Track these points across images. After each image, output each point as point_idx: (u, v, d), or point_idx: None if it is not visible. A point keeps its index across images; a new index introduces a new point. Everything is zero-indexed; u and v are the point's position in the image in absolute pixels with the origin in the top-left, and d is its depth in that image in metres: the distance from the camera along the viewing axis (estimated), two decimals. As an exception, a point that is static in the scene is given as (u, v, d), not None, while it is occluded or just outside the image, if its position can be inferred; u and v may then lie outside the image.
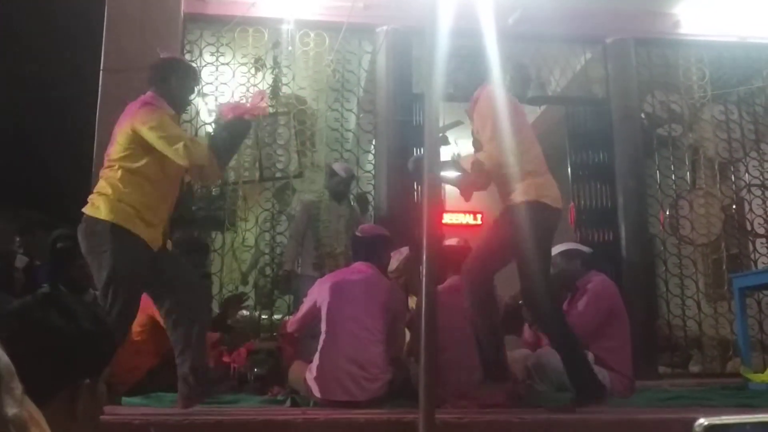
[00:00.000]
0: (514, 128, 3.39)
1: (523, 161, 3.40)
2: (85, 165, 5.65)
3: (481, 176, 3.53)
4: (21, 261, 5.29)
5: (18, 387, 0.88)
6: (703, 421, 0.74)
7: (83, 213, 3.26)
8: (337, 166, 5.61)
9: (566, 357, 3.37)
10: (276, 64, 6.34)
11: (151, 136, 3.20)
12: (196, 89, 3.70)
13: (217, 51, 6.24)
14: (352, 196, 5.71)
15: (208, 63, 6.23)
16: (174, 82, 3.44)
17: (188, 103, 3.72)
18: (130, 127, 3.25)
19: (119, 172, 3.23)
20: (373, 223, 6.10)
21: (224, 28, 6.07)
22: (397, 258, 4.38)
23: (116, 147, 3.29)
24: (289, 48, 6.24)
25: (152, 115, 3.26)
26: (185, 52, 6.18)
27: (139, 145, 3.23)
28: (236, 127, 3.44)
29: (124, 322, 3.18)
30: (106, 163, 3.34)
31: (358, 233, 4.00)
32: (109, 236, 3.14)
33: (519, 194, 3.38)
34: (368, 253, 3.95)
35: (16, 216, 9.06)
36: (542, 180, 3.43)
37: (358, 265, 3.86)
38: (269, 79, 6.33)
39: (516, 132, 3.40)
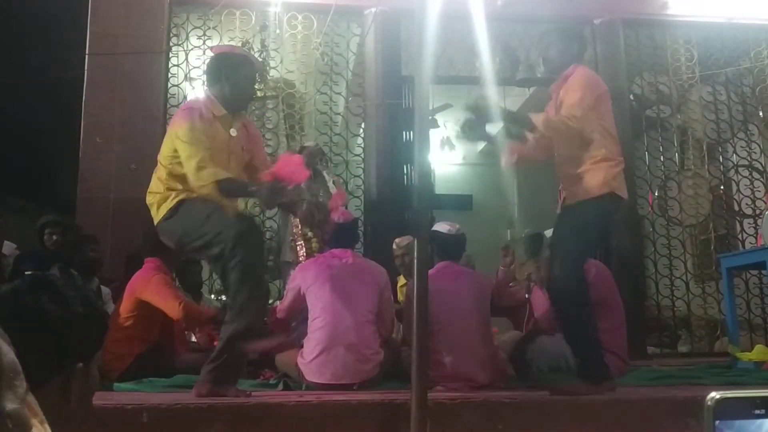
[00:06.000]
0: (600, 110, 3.35)
1: (600, 145, 3.35)
2: (72, 150, 5.61)
3: (543, 141, 3.46)
4: (8, 248, 5.25)
5: (22, 386, 0.88)
6: (714, 394, 0.73)
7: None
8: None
9: (582, 341, 3.37)
10: (263, 47, 6.29)
11: (179, 148, 3.16)
12: (253, 79, 3.49)
13: (204, 34, 6.18)
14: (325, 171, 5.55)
15: (195, 47, 6.17)
16: (224, 80, 3.30)
17: (248, 96, 3.50)
18: (169, 133, 3.27)
19: (165, 174, 3.25)
20: (362, 205, 6.13)
21: (211, 11, 6.01)
22: (408, 236, 4.42)
23: (162, 151, 3.31)
24: (277, 31, 6.20)
25: (184, 122, 3.19)
26: (171, 35, 6.13)
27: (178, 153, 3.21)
28: (266, 189, 3.13)
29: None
30: (158, 163, 3.34)
31: (337, 220, 3.98)
32: (182, 214, 3.18)
33: (597, 186, 3.32)
34: (349, 238, 4.00)
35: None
36: (618, 170, 3.39)
37: (339, 251, 3.86)
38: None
39: (601, 114, 3.35)
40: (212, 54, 3.52)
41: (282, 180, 3.06)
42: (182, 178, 3.20)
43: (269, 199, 3.18)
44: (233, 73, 3.31)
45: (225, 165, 3.24)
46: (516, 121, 3.40)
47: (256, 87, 3.59)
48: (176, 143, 3.18)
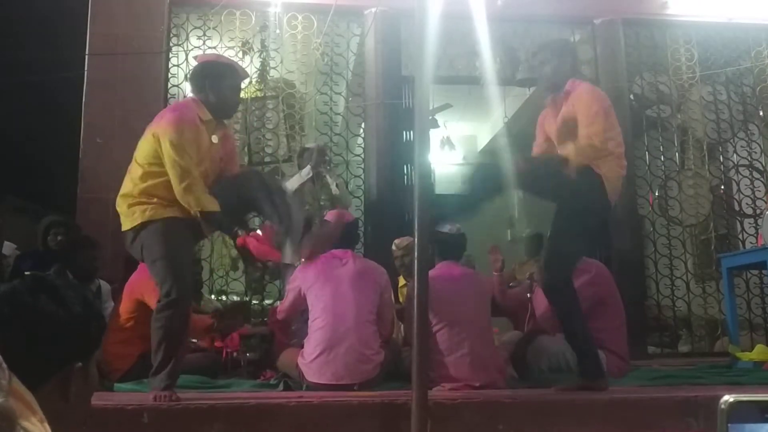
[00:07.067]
0: (609, 121, 3.43)
1: (608, 153, 3.41)
2: (72, 150, 5.60)
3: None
4: (8, 248, 5.25)
5: (4, 377, 0.87)
6: (728, 398, 0.74)
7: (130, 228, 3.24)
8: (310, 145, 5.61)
9: (577, 340, 3.40)
10: (263, 47, 6.29)
11: (167, 156, 3.10)
12: (238, 88, 3.46)
13: (204, 35, 6.18)
14: (328, 174, 5.53)
15: (195, 47, 6.17)
16: (209, 89, 3.27)
17: (233, 106, 3.47)
18: (152, 132, 3.18)
19: (139, 173, 3.19)
20: (362, 206, 6.13)
21: (211, 11, 6.02)
22: (408, 237, 4.43)
23: (140, 149, 3.23)
24: (277, 31, 6.19)
25: (176, 129, 3.11)
26: (171, 36, 6.13)
27: (159, 155, 3.14)
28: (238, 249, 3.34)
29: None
30: (133, 161, 3.27)
31: (334, 220, 3.98)
32: (141, 239, 3.15)
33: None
34: (349, 239, 4.00)
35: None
36: (619, 170, 3.45)
37: (340, 252, 3.86)
38: (257, 62, 6.29)
39: (611, 125, 3.42)
40: (197, 62, 3.48)
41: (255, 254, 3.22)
42: (156, 182, 3.15)
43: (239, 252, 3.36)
44: (218, 82, 3.28)
45: (205, 172, 3.22)
46: (551, 166, 3.44)
47: (241, 96, 3.54)
48: (164, 148, 3.10)
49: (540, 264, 3.69)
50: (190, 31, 6.20)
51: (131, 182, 3.22)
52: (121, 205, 3.23)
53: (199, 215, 3.12)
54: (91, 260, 4.76)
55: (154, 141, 3.17)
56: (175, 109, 3.33)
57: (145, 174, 3.18)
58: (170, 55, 6.12)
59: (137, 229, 3.16)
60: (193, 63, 6.02)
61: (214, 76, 3.30)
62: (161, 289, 3.12)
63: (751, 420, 0.73)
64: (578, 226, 3.42)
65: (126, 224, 3.20)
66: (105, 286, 4.80)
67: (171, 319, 3.07)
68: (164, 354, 3.06)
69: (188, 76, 3.45)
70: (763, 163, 6.69)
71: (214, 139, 3.30)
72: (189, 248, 3.22)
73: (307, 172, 5.36)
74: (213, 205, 3.13)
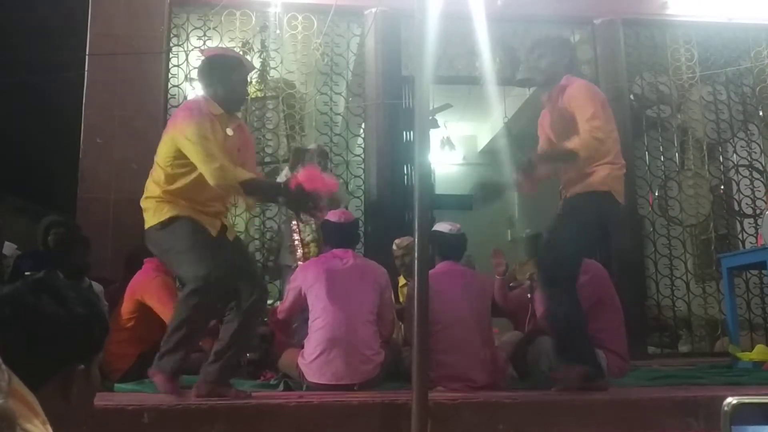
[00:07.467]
0: (606, 114, 3.45)
1: (605, 150, 3.42)
2: (72, 150, 5.61)
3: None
4: (9, 248, 5.24)
5: (3, 378, 0.87)
6: (731, 399, 0.74)
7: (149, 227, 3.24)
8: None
9: (573, 340, 3.40)
10: (264, 47, 6.30)
11: (189, 149, 3.10)
12: (246, 80, 3.49)
13: (204, 35, 6.18)
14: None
15: (195, 47, 6.17)
16: (217, 82, 3.29)
17: (241, 98, 3.51)
18: (170, 135, 3.20)
19: (162, 176, 3.20)
20: (362, 206, 6.13)
21: (211, 11, 6.02)
22: (408, 237, 4.47)
23: (159, 152, 3.25)
24: (277, 31, 6.20)
25: (191, 123, 3.13)
26: (171, 36, 6.13)
27: (181, 155, 3.15)
28: (292, 195, 3.14)
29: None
30: (154, 164, 3.29)
31: (335, 219, 3.98)
32: (170, 232, 3.16)
33: (597, 183, 3.40)
34: (349, 238, 3.99)
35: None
36: (619, 174, 3.48)
37: (340, 251, 3.86)
38: (257, 63, 6.29)
39: (606, 120, 3.44)
40: (204, 57, 3.50)
41: (308, 190, 3.08)
42: (181, 185, 3.17)
43: (294, 206, 3.24)
44: (226, 75, 3.31)
45: None
46: (559, 159, 3.46)
47: (248, 88, 3.58)
48: (184, 144, 3.12)
49: (540, 260, 3.68)
50: (190, 31, 6.20)
51: (155, 185, 3.24)
52: (148, 202, 3.25)
53: (241, 190, 3.12)
54: (82, 258, 4.75)
55: (171, 143, 3.19)
56: (186, 107, 3.35)
57: (168, 176, 3.20)
58: (170, 55, 6.12)
59: (165, 223, 3.16)
60: (194, 63, 6.07)
61: (223, 70, 3.32)
62: (196, 273, 3.07)
63: (754, 422, 0.73)
64: (586, 228, 3.43)
65: (153, 219, 3.20)
66: (97, 287, 4.78)
67: (197, 307, 3.08)
68: (180, 340, 3.09)
69: (196, 71, 3.45)
70: (763, 163, 6.70)
71: (229, 131, 3.31)
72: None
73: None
74: (248, 174, 3.13)
